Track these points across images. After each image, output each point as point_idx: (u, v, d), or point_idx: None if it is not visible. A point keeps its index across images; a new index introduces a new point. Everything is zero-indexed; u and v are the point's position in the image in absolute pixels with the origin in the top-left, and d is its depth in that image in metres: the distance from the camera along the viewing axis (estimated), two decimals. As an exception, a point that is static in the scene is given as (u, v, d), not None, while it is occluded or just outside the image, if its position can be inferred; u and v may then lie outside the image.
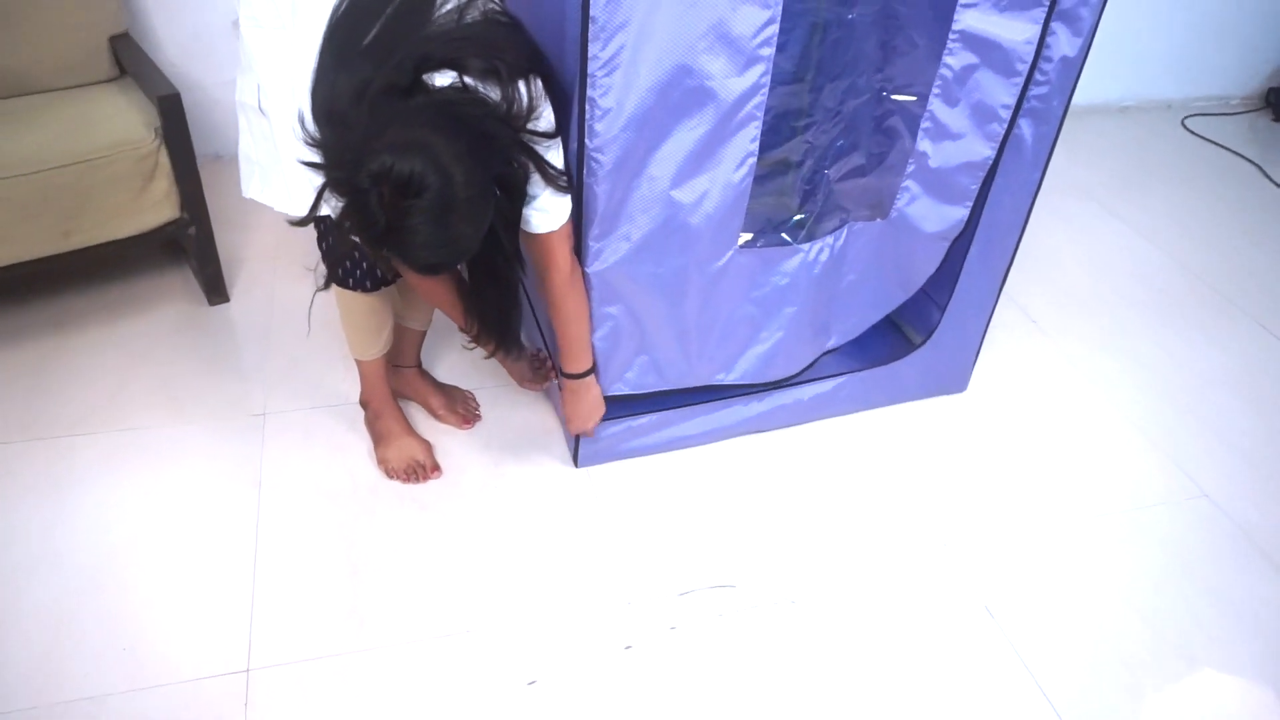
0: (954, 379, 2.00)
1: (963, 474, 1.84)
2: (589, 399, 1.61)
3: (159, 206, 1.93)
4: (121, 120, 1.90)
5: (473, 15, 1.22)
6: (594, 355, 1.58)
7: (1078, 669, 1.49)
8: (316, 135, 1.17)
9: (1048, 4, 1.43)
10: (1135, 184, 2.93)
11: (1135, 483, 1.85)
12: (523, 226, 1.38)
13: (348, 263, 1.51)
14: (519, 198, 1.33)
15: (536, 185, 1.32)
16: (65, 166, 1.79)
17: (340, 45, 1.18)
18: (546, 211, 1.36)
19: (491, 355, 1.54)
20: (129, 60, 2.06)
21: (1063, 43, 1.49)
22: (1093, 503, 1.80)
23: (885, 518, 1.73)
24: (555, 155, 1.32)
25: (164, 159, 1.89)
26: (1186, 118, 3.39)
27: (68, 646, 1.41)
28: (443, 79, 1.18)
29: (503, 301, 1.46)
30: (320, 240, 1.48)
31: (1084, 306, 2.33)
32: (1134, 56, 3.30)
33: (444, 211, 1.12)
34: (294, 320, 2.05)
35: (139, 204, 1.90)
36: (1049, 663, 1.50)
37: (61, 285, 2.10)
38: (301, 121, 1.17)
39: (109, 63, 2.09)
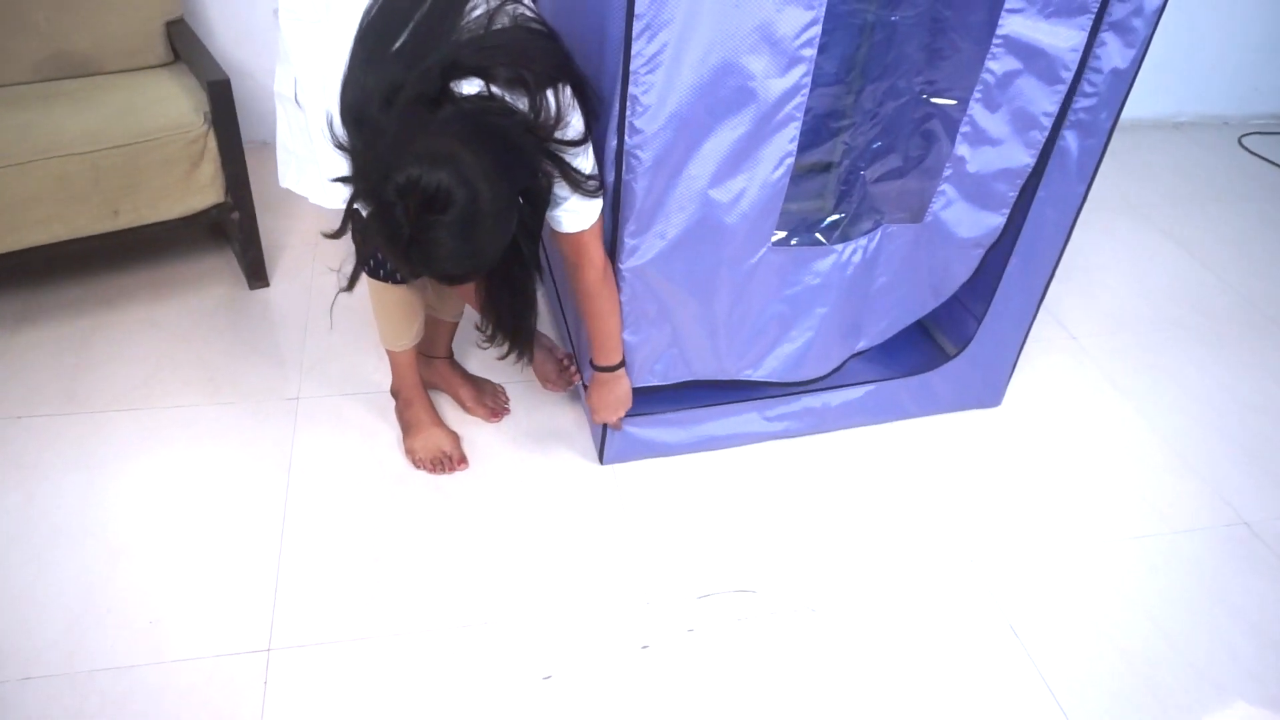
0: (988, 392, 1.96)
1: (993, 490, 1.81)
2: (618, 391, 1.62)
3: (205, 190, 1.97)
4: (173, 104, 1.94)
5: (502, 21, 1.22)
6: (624, 349, 1.59)
7: (1103, 693, 1.46)
8: (344, 139, 1.18)
9: (1095, 12, 1.40)
10: (1188, 202, 2.86)
11: (1171, 506, 1.80)
12: (553, 226, 1.38)
13: (379, 253, 1.52)
14: (542, 207, 1.33)
15: (564, 187, 1.32)
16: (117, 147, 1.83)
17: (371, 48, 1.19)
18: (576, 212, 1.36)
19: (505, 357, 1.55)
20: (183, 46, 2.11)
21: (1113, 53, 1.46)
22: (1126, 525, 1.76)
23: (911, 530, 1.71)
24: (583, 161, 1.32)
25: (212, 144, 1.93)
26: (1244, 136, 3.30)
27: (95, 617, 1.44)
28: (470, 87, 1.18)
29: (518, 306, 1.46)
30: (354, 232, 1.50)
31: (1128, 326, 2.28)
32: (1191, 71, 3.22)
33: (469, 226, 1.13)
34: (329, 307, 2.08)
35: (186, 187, 1.94)
36: (1073, 685, 1.47)
37: (108, 264, 2.15)
38: (330, 125, 1.18)
39: (164, 47, 2.13)
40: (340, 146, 1.19)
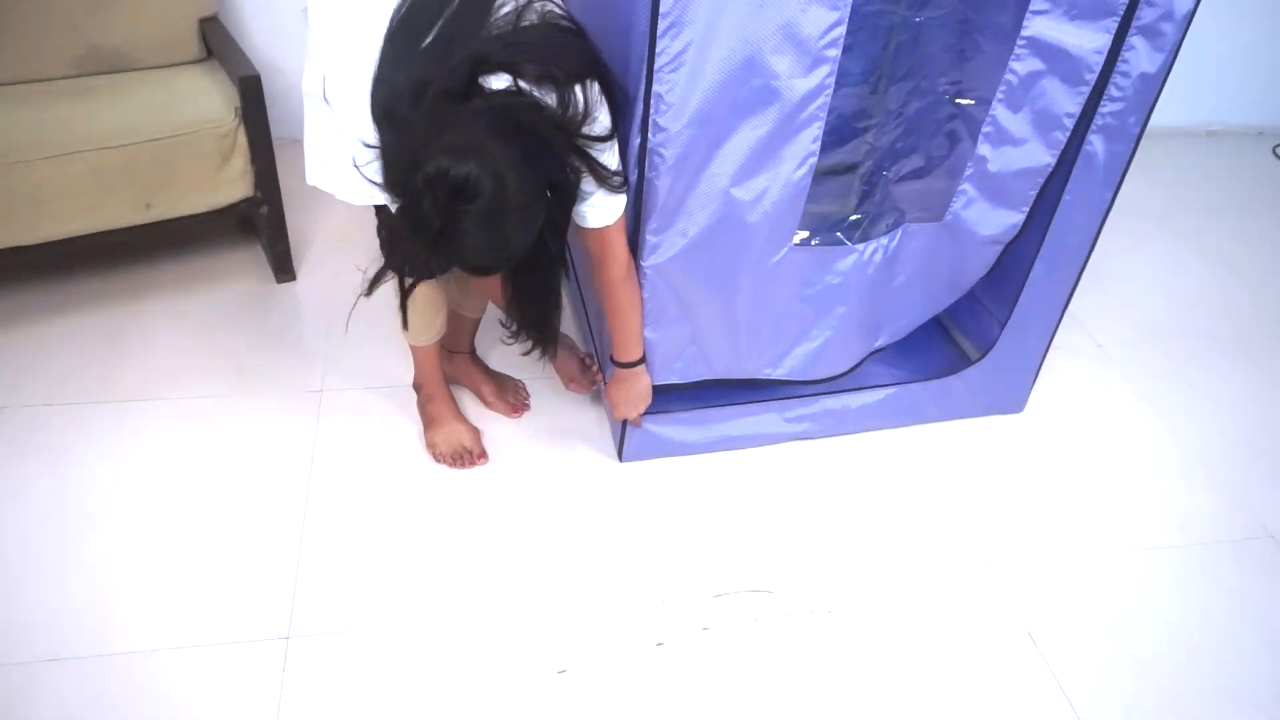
0: (1010, 399, 1.95)
1: (1013, 496, 1.79)
2: (637, 387, 1.62)
3: (234, 184, 2.00)
4: (205, 99, 1.97)
5: (530, 18, 1.23)
6: (644, 346, 1.59)
7: (1120, 704, 1.44)
8: (375, 138, 1.20)
9: (1120, 14, 1.39)
10: (1219, 212, 2.82)
11: (1194, 517, 1.78)
12: (578, 222, 1.39)
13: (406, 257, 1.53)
14: (569, 201, 1.34)
15: (590, 183, 1.33)
16: (150, 141, 1.86)
17: (400, 46, 1.20)
18: (601, 208, 1.37)
19: (529, 353, 1.56)
20: (216, 42, 2.14)
21: (1142, 58, 1.45)
22: (1147, 534, 1.74)
23: (930, 534, 1.70)
24: (609, 157, 1.33)
25: (242, 139, 1.96)
26: (1277, 146, 3.26)
27: (118, 600, 1.46)
28: (498, 82, 1.20)
29: (543, 301, 1.47)
30: (380, 229, 1.51)
31: (1155, 335, 2.26)
32: (1224, 79, 3.18)
33: (497, 216, 1.14)
34: (354, 302, 2.10)
35: (216, 181, 1.97)
36: (1090, 694, 1.45)
37: (140, 256, 2.19)
38: (356, 142, 1.20)
39: (198, 44, 2.16)
40: (370, 146, 1.20)
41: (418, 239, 1.17)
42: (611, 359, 1.61)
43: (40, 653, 1.38)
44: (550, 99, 1.22)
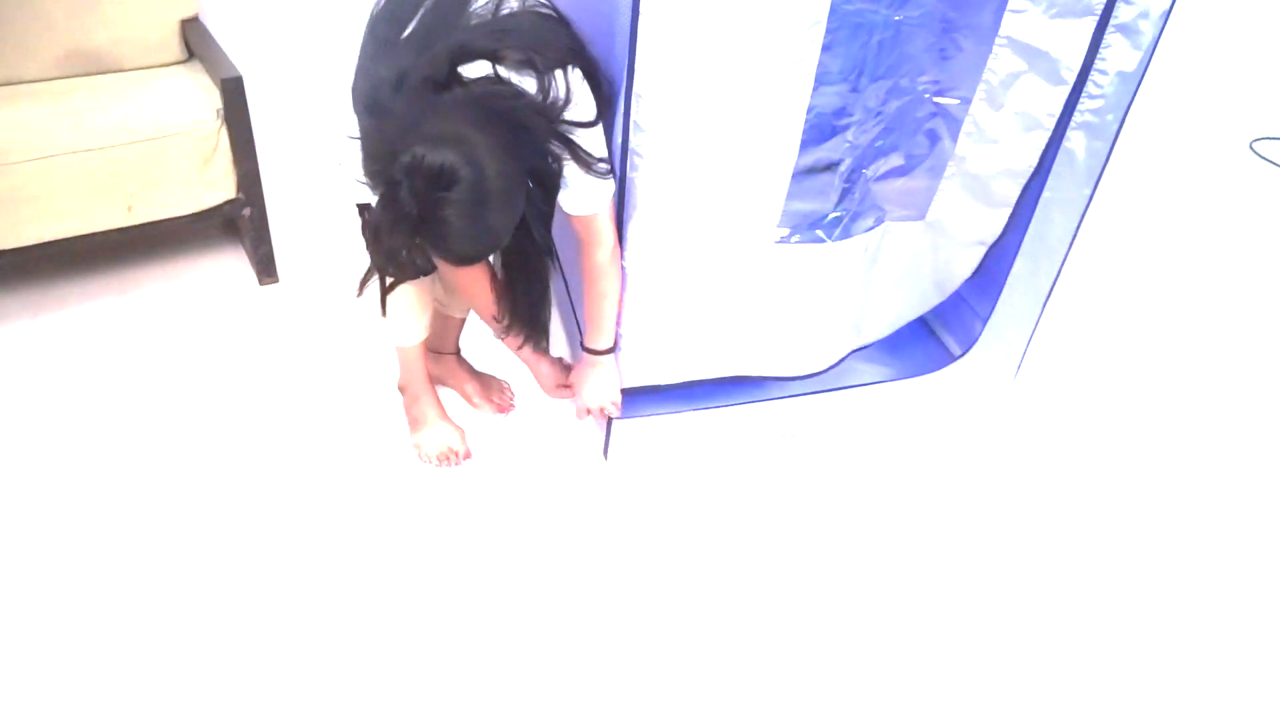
0: (992, 394, 1.97)
1: (993, 491, 1.81)
2: (603, 375, 1.62)
3: (217, 186, 1.99)
4: (187, 101, 1.96)
5: (510, 5, 1.24)
6: (618, 339, 1.59)
7: (1113, 703, 1.46)
8: (356, 130, 1.20)
9: (1099, 14, 1.40)
10: (1198, 207, 2.85)
11: (1184, 514, 1.80)
12: (565, 209, 1.40)
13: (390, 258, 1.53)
14: (552, 189, 1.35)
15: (575, 170, 1.34)
16: (132, 144, 1.86)
17: (381, 37, 1.21)
18: (587, 194, 1.37)
19: (520, 348, 1.56)
20: (197, 44, 2.13)
21: (1120, 56, 1.47)
22: (1133, 529, 1.75)
23: (914, 529, 1.71)
24: (594, 143, 1.33)
25: (224, 140, 1.95)
26: (1254, 140, 3.29)
27: (119, 596, 1.46)
28: (477, 71, 1.20)
29: (533, 292, 1.48)
30: (364, 228, 1.51)
31: (1135, 331, 2.28)
32: (1201, 75, 3.22)
33: (475, 203, 1.15)
34: (338, 303, 2.10)
35: (198, 183, 1.96)
36: (1072, 688, 1.47)
37: (125, 256, 2.18)
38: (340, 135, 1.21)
39: (179, 46, 2.16)
40: (352, 137, 1.20)
41: (398, 229, 1.17)
42: (582, 344, 1.61)
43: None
44: (530, 85, 1.23)
